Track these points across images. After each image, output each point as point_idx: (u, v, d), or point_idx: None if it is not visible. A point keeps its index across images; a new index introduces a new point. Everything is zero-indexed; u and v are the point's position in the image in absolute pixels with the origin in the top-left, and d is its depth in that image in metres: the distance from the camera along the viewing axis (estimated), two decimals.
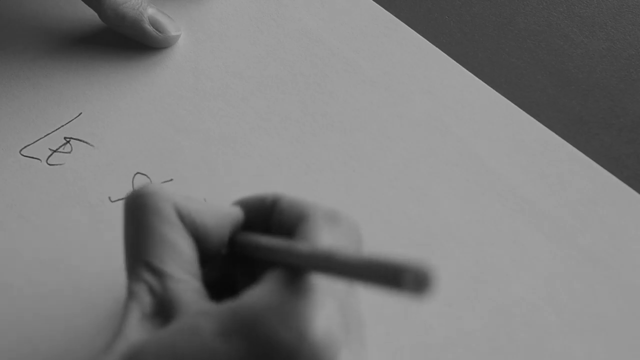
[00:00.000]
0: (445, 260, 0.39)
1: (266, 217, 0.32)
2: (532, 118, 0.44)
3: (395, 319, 0.37)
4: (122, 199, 0.41)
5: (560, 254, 0.40)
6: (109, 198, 0.41)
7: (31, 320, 0.38)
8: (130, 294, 0.29)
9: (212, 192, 0.42)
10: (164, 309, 0.28)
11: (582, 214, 0.41)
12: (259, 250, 0.30)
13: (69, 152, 0.43)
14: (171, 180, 0.42)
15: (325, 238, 0.29)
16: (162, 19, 0.46)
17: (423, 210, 0.41)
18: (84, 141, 0.44)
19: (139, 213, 0.30)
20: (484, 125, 0.44)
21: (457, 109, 0.45)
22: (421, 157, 0.43)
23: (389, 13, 0.49)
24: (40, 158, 0.43)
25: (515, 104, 0.45)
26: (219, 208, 0.32)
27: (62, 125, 0.44)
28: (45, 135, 0.44)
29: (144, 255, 0.29)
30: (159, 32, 0.46)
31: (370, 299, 0.38)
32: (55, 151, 0.43)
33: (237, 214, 0.32)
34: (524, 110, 0.45)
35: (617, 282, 0.39)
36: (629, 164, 0.43)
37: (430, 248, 0.40)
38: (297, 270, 0.27)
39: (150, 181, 0.42)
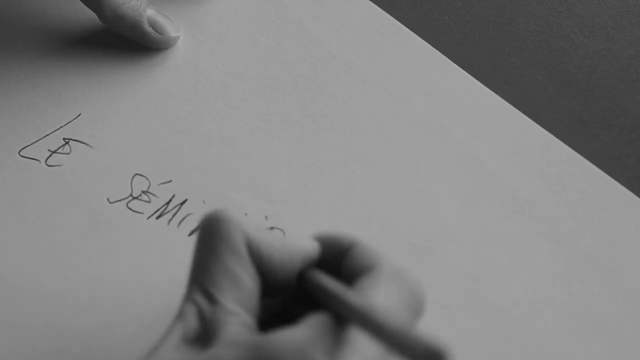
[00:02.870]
0: (444, 262, 0.39)
1: (339, 258, 0.32)
2: (531, 120, 0.44)
3: None
4: (121, 200, 0.41)
5: (559, 256, 0.40)
6: (108, 199, 0.41)
7: (29, 321, 0.38)
8: (179, 313, 0.29)
9: (211, 194, 0.41)
10: (207, 337, 0.28)
11: (581, 215, 0.41)
12: (318, 291, 0.30)
13: (68, 153, 0.43)
14: (170, 181, 0.42)
15: (378, 293, 0.29)
16: (162, 20, 0.46)
17: (422, 211, 0.41)
18: (83, 142, 0.44)
19: (209, 237, 0.30)
20: (484, 127, 0.44)
21: (457, 110, 0.45)
22: (421, 158, 0.43)
23: (388, 15, 0.49)
24: (39, 159, 0.43)
25: (516, 104, 0.45)
26: (293, 243, 0.31)
27: (61, 126, 0.44)
28: (45, 136, 0.44)
29: (203, 279, 0.29)
30: (159, 33, 0.46)
31: None
32: (54, 152, 0.43)
33: (311, 250, 0.32)
34: (524, 110, 0.45)
35: (616, 283, 0.39)
36: (630, 165, 0.43)
37: (430, 250, 0.40)
38: (339, 320, 0.27)
39: (149, 183, 0.42)
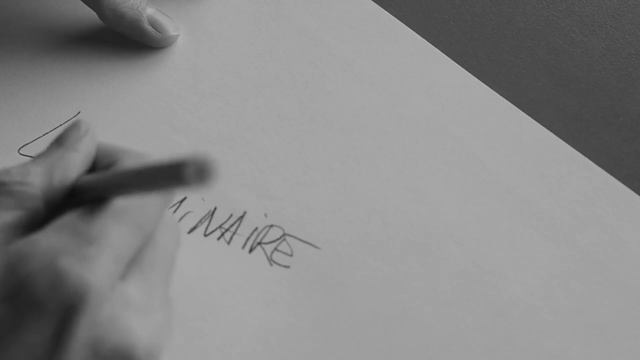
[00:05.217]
0: (443, 261, 0.39)
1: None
2: (530, 118, 0.44)
3: (394, 319, 0.37)
4: None
5: (558, 254, 0.40)
6: None
7: None
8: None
9: (210, 191, 0.42)
10: None
11: (580, 214, 0.41)
12: (78, 188, 0.30)
13: None
14: None
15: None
16: (161, 19, 0.46)
17: (421, 210, 0.41)
18: None
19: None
20: (483, 126, 0.44)
21: (456, 109, 0.45)
22: (419, 157, 0.43)
23: (388, 13, 0.49)
24: None
25: (515, 102, 0.45)
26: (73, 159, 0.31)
27: (61, 124, 0.44)
28: (44, 134, 0.44)
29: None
30: (158, 31, 0.46)
31: (368, 300, 0.38)
32: None
33: (85, 160, 0.32)
34: (523, 109, 0.45)
35: (615, 282, 0.39)
36: (629, 163, 0.43)
37: (429, 248, 0.40)
38: (88, 215, 0.27)
39: None
